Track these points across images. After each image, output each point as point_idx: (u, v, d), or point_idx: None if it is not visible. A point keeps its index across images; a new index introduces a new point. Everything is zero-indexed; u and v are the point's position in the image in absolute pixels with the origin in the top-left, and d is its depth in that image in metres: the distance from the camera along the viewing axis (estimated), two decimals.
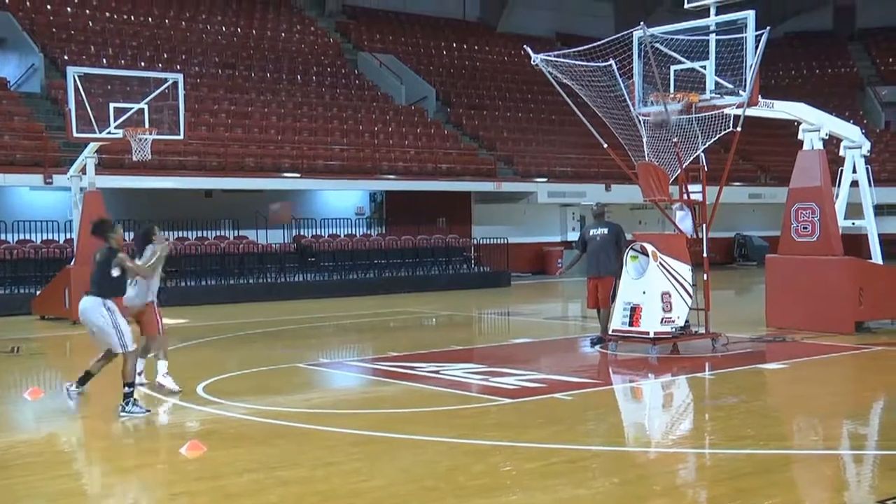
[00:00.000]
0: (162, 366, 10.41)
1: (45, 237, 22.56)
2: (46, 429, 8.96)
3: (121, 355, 9.19)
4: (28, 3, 29.58)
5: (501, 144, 31.94)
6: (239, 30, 33.52)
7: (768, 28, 12.85)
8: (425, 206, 28.32)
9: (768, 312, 15.40)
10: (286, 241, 26.11)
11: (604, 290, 13.27)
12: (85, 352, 11.10)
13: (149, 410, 9.07)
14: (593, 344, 13.46)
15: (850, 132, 15.76)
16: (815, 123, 15.08)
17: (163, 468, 7.26)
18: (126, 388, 9.00)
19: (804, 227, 15.05)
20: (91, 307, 9.17)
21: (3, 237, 22.32)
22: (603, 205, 14.04)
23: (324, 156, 27.11)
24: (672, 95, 13.03)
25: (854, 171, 15.62)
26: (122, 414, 8.90)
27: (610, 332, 12.99)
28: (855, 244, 16.18)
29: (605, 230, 13.45)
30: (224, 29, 33.19)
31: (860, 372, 12.09)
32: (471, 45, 39.17)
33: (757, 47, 12.70)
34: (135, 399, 9.03)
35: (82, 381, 9.70)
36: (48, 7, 30.02)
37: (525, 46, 14.71)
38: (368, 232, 28.48)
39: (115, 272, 9.16)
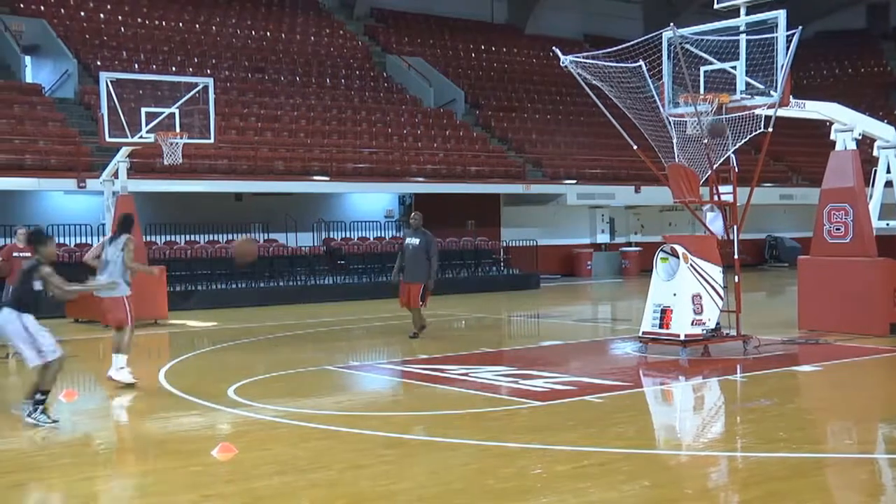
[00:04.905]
0: (119, 360, 10.80)
1: (78, 241, 22.82)
2: (80, 430, 9.06)
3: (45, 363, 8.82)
4: (62, 11, 29.94)
5: (530, 146, 31.88)
6: (268, 34, 33.70)
7: (800, 28, 12.73)
8: (454, 209, 28.31)
9: (800, 314, 15.26)
10: (316, 243, 26.23)
11: (414, 293, 14.81)
12: None
13: (56, 421, 8.81)
14: (411, 338, 14.90)
15: (883, 132, 15.57)
16: (847, 123, 14.92)
17: (194, 470, 7.31)
18: (39, 395, 8.80)
19: (837, 229, 14.90)
20: (7, 321, 8.86)
21: None
22: (420, 215, 15.21)
23: (353, 159, 27.19)
24: (702, 96, 12.94)
25: (888, 172, 15.45)
26: (29, 419, 8.79)
27: (640, 335, 12.98)
28: (889, 245, 15.98)
29: (417, 240, 14.82)
30: (253, 33, 33.38)
31: (895, 374, 11.94)
32: (499, 47, 39.12)
33: (788, 47, 12.58)
34: (44, 408, 8.84)
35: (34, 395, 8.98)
36: (82, 14, 30.37)
37: (554, 48, 14.68)
38: (398, 234, 28.53)
39: (37, 286, 8.96)
